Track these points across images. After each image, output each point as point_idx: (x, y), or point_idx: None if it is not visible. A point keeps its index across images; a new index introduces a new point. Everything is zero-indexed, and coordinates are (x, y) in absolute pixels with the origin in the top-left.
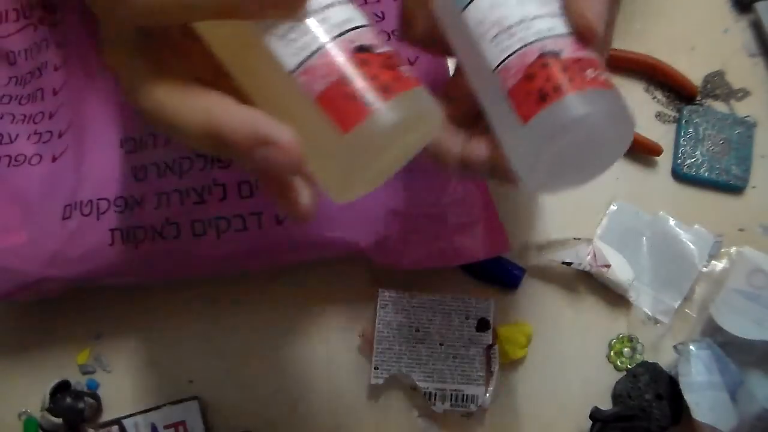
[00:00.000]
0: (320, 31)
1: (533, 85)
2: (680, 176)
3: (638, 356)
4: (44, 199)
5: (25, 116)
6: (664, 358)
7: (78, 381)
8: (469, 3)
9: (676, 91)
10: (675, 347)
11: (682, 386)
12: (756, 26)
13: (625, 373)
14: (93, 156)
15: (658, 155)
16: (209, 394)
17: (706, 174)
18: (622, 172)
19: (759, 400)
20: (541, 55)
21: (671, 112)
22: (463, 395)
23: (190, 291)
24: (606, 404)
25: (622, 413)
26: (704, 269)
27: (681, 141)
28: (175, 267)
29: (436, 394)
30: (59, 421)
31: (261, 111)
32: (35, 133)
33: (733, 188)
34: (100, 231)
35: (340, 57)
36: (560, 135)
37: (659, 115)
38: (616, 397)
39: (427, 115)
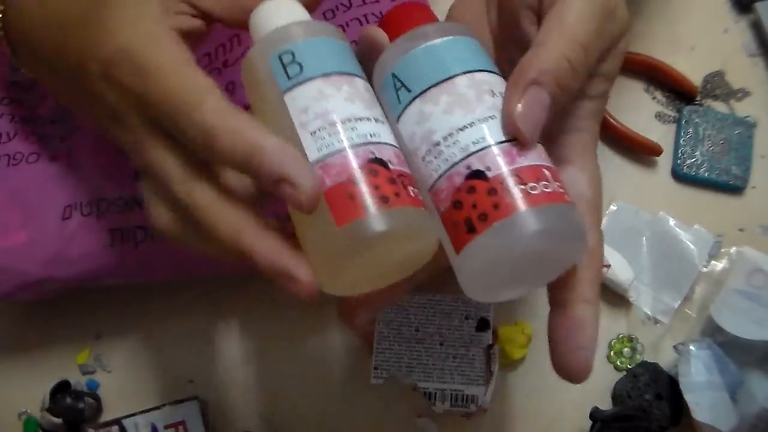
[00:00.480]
0: (346, 136)
1: (460, 215)
2: (680, 176)
3: (638, 356)
4: (44, 199)
5: (24, 118)
6: (664, 358)
7: (78, 381)
8: (402, 112)
9: (676, 91)
10: (675, 347)
11: (682, 386)
12: (756, 26)
13: (625, 373)
14: (93, 156)
15: (658, 155)
16: (209, 394)
17: (706, 174)
18: (622, 172)
19: (759, 400)
20: (468, 177)
21: (671, 112)
22: (463, 395)
23: (190, 291)
24: (606, 404)
25: (622, 413)
26: (704, 269)
27: (681, 141)
28: (175, 267)
29: (436, 394)
30: (59, 421)
31: (285, 243)
32: (33, 134)
33: (733, 188)
34: (100, 231)
35: (354, 162)
36: (492, 268)
37: (659, 115)
38: (616, 397)
39: (418, 234)
